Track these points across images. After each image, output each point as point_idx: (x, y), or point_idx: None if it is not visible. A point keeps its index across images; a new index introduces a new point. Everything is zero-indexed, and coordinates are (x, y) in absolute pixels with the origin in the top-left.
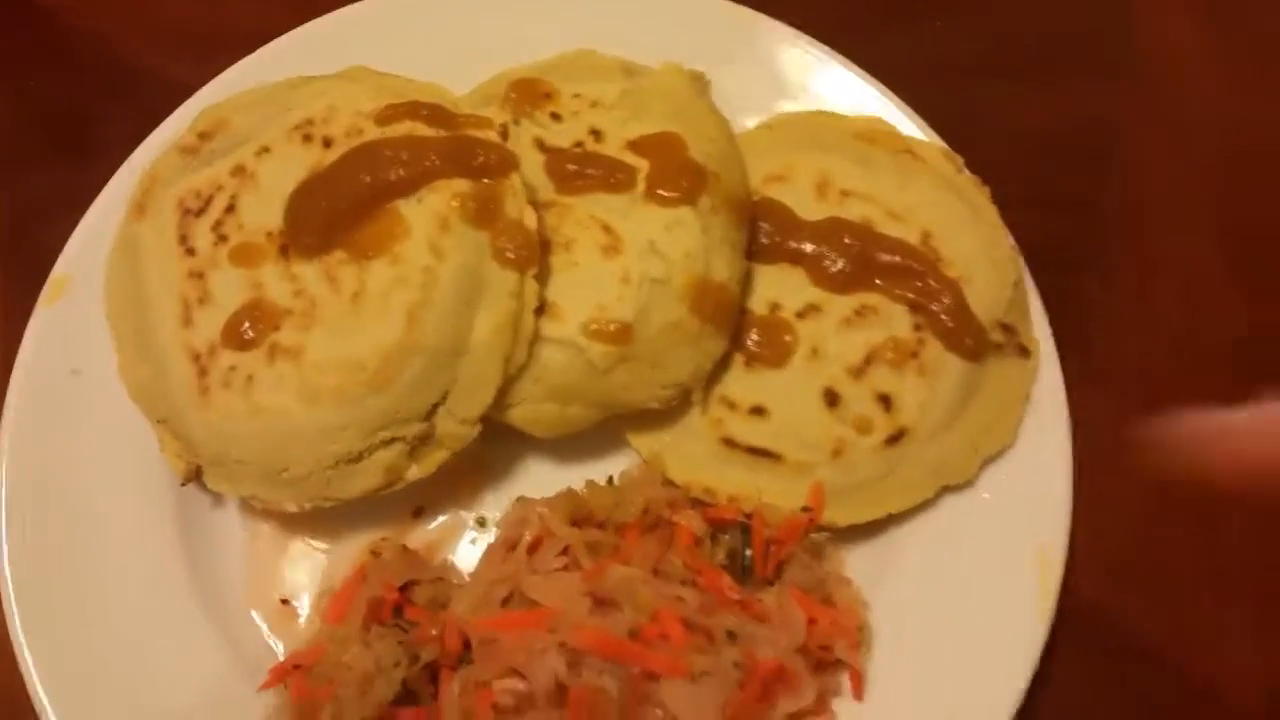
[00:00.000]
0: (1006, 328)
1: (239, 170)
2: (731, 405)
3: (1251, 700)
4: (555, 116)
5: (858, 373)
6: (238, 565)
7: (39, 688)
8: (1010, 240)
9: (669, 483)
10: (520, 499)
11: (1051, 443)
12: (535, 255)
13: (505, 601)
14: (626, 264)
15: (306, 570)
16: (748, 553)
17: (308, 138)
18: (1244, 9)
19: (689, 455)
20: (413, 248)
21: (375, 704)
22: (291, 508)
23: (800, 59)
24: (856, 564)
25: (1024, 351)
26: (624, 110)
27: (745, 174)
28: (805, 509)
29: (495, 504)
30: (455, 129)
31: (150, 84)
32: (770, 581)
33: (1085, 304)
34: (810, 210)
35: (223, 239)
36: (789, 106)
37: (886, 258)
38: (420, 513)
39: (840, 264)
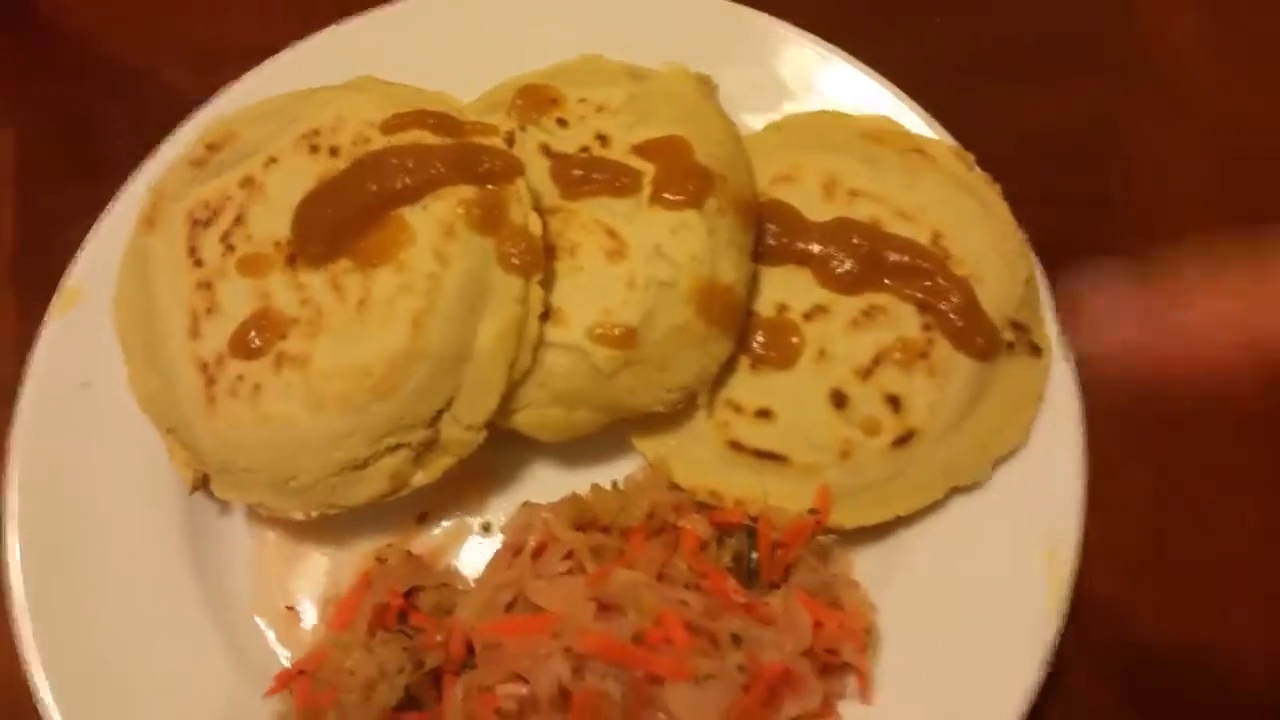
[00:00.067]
0: (1018, 326)
1: (247, 181)
2: (737, 408)
3: (1268, 698)
4: (561, 122)
5: (866, 374)
6: (244, 572)
7: (46, 693)
8: (1022, 236)
9: (674, 486)
10: (525, 504)
11: (1064, 442)
12: (540, 260)
13: (509, 606)
14: (632, 268)
15: (312, 577)
16: (754, 556)
17: (315, 148)
18: (1244, 6)
19: (695, 459)
20: (418, 255)
21: (379, 709)
22: (298, 515)
23: (806, 58)
24: (864, 566)
25: (1036, 350)
26: (630, 114)
27: (752, 176)
28: (812, 511)
29: (500, 509)
30: (461, 136)
31: (159, 96)
32: (777, 585)
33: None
34: (818, 211)
35: (231, 249)
36: (796, 107)
37: (895, 257)
38: (425, 518)
39: (848, 264)
